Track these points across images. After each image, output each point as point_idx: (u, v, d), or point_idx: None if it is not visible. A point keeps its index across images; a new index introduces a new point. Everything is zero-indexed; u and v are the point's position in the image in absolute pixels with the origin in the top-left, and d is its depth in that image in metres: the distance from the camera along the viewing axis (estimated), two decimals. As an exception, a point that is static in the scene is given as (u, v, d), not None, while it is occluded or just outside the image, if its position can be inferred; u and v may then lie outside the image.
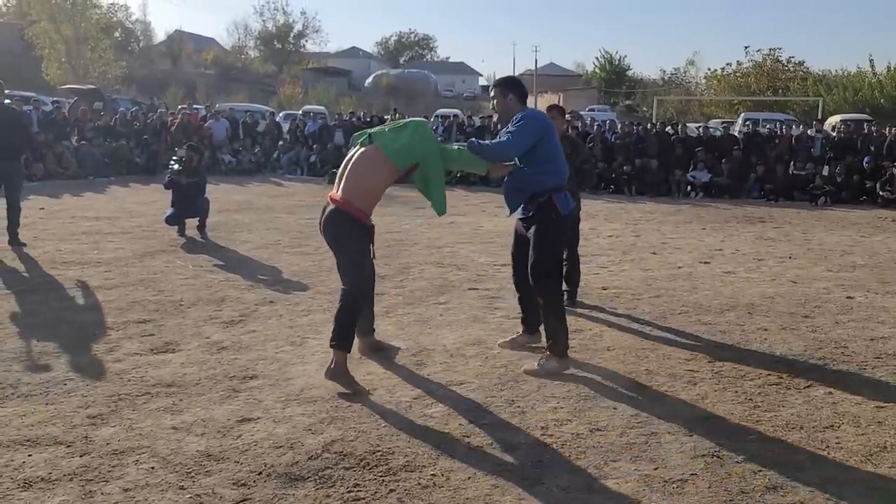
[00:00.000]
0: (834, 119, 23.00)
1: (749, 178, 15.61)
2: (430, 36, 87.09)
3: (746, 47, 41.26)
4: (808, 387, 4.13)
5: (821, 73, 38.24)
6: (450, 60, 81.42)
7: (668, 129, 18.31)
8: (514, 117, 4.28)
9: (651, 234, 10.08)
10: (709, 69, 50.44)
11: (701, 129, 18.49)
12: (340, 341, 3.95)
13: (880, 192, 14.19)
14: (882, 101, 30.74)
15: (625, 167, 15.74)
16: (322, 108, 29.88)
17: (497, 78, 4.43)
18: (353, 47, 74.09)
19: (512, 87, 4.45)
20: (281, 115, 26.64)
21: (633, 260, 8.05)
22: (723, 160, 15.90)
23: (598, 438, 3.42)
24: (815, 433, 3.51)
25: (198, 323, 5.19)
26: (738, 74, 40.34)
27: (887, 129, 16.45)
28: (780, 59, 40.40)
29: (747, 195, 15.32)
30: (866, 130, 16.88)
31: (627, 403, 3.84)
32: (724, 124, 22.38)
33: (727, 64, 42.15)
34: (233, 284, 6.38)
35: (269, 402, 3.78)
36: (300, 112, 25.03)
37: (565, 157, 4.48)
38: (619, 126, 18.76)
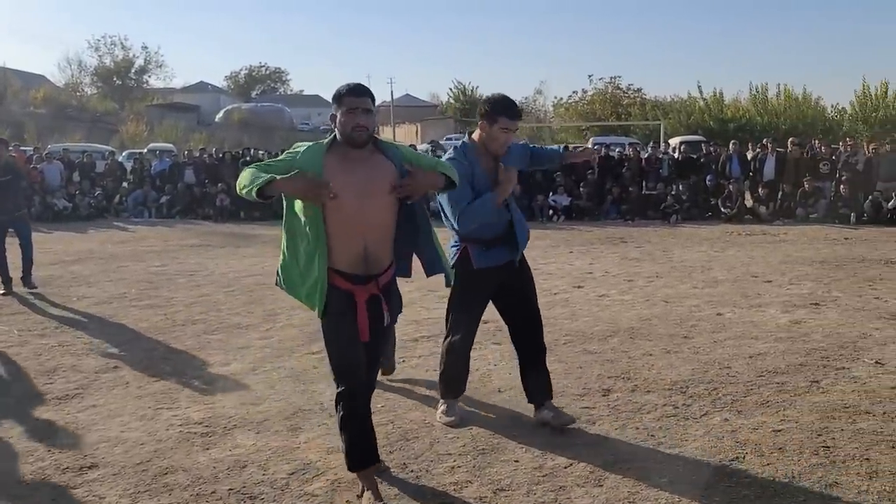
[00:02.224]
0: (674, 141, 24.55)
1: (606, 200, 16.15)
2: (282, 69, 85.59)
3: (590, 76, 43.64)
4: (705, 415, 3.99)
5: (657, 98, 40.97)
6: (304, 93, 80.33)
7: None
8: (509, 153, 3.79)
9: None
10: (555, 97, 52.90)
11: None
12: None
13: (722, 209, 15.07)
14: (711, 122, 33.21)
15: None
16: (170, 145, 28.28)
17: (516, 108, 3.64)
18: (201, 82, 71.36)
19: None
20: (124, 154, 24.92)
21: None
22: (580, 184, 16.37)
23: (503, 500, 3.06)
24: (723, 467, 3.34)
25: (22, 401, 4.38)
26: (583, 102, 42.42)
27: (725, 148, 17.57)
28: (621, 86, 42.95)
29: (605, 216, 15.84)
30: (704, 151, 17.98)
31: (528, 454, 3.52)
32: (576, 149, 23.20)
33: (573, 92, 44.29)
34: (68, 349, 5.55)
35: (114, 497, 3.14)
36: (145, 150, 23.49)
37: None
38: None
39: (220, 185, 17.13)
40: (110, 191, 17.99)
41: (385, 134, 49.03)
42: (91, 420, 4.06)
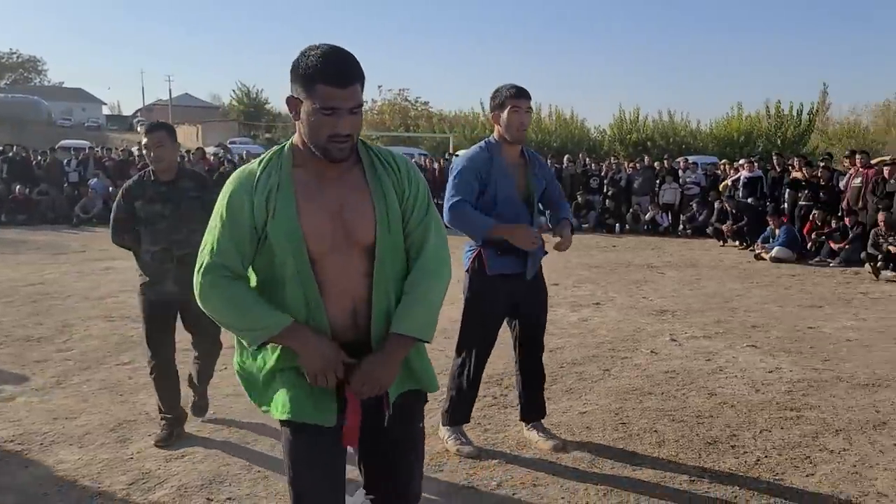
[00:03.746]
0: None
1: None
2: (38, 58, 77.05)
3: (380, 86, 44.38)
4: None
5: (441, 111, 42.81)
6: (64, 86, 72.98)
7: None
8: (537, 160, 3.61)
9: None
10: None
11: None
12: None
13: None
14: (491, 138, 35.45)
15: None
16: None
17: (521, 87, 3.41)
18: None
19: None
20: None
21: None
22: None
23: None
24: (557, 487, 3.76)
25: None
26: (373, 112, 43.15)
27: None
28: (409, 98, 44.33)
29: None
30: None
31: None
32: None
33: (364, 101, 44.81)
34: None
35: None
36: None
37: None
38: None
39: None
40: None
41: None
42: None
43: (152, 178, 3.63)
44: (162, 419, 3.73)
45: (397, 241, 1.93)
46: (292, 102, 1.81)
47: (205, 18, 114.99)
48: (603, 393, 4.63)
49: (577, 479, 3.35)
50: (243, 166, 1.92)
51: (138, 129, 56.06)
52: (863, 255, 10.07)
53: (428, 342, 1.95)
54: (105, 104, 73.05)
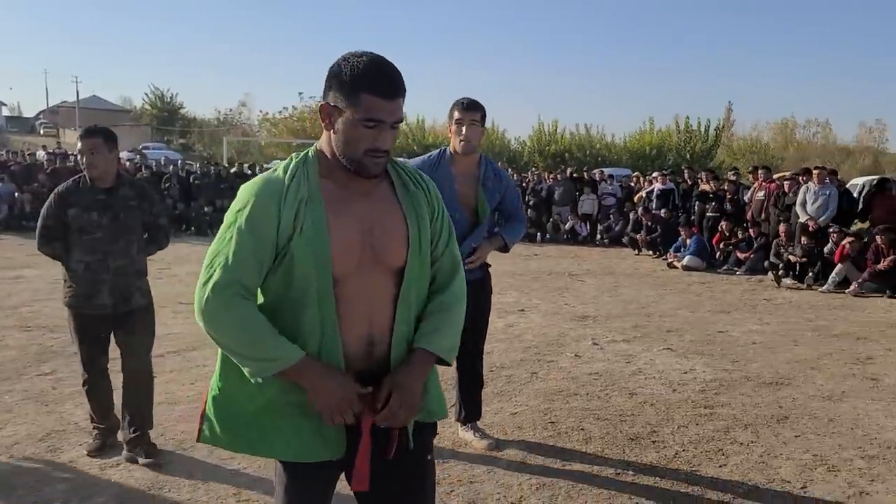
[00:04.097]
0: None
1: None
2: None
3: (301, 93, 44.00)
4: (453, 406, 4.57)
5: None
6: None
7: (248, 169, 18.47)
8: (494, 172, 3.60)
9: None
10: (260, 111, 52.42)
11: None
12: None
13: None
14: (415, 147, 35.70)
15: (206, 208, 15.37)
16: None
17: (471, 99, 3.46)
18: None
19: (485, 118, 3.53)
20: None
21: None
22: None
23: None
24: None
25: None
26: (293, 118, 42.73)
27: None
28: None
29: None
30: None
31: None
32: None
33: (284, 108, 44.37)
34: None
35: None
36: None
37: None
38: (196, 165, 18.27)
39: None
40: None
41: (69, 137, 44.14)
42: None
43: (89, 184, 3.47)
44: (94, 429, 3.68)
45: (425, 263, 1.79)
46: (327, 110, 1.65)
47: (115, 19, 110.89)
48: (532, 394, 4.83)
49: (512, 475, 3.52)
50: (264, 173, 1.71)
51: (41, 131, 53.59)
52: (766, 263, 10.74)
53: (449, 365, 1.88)
54: (5, 105, 69.36)
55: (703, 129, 37.38)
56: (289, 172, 1.67)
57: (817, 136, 61.02)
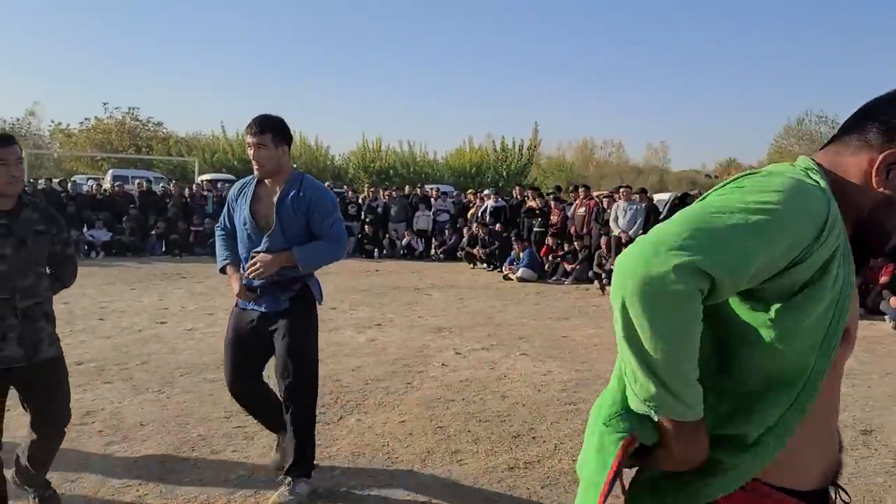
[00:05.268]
0: (205, 177, 25.04)
1: (151, 236, 15.79)
2: None
3: (105, 103, 41.07)
4: (341, 419, 4.70)
5: (184, 135, 40.74)
6: None
7: (56, 185, 17.03)
8: (300, 192, 3.44)
9: (80, 298, 9.33)
10: (52, 121, 48.28)
11: (93, 187, 17.77)
12: None
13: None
14: (235, 162, 34.63)
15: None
16: None
17: (261, 120, 3.37)
18: None
19: (286, 135, 3.45)
20: None
21: (84, 329, 7.41)
22: (122, 218, 15.69)
23: None
24: (375, 456, 4.08)
25: None
26: (97, 130, 39.76)
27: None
28: (140, 118, 41.54)
29: (151, 252, 15.49)
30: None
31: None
32: (89, 180, 22.18)
33: (86, 119, 41.16)
34: None
35: None
36: None
37: None
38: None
39: None
40: None
41: None
42: None
43: None
44: None
45: None
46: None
47: None
48: (413, 403, 5.06)
49: (415, 477, 3.73)
50: (800, 178, 1.24)
51: None
52: (590, 273, 11.80)
53: None
54: None
55: (517, 149, 39.76)
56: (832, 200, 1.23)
57: (612, 156, 67.06)
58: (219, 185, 20.45)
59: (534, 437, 4.39)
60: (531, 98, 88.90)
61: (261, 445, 4.15)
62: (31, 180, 18.26)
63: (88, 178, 25.54)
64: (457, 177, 36.89)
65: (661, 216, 12.47)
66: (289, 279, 3.48)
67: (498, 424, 4.62)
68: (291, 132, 3.53)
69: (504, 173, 38.03)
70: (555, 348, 7.01)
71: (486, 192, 16.80)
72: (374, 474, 3.79)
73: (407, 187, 18.55)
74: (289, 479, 3.45)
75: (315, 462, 3.60)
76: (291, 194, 3.45)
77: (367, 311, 8.99)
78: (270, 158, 3.39)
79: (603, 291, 11.09)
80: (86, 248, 14.85)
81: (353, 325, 8.08)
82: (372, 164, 36.39)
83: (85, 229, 15.29)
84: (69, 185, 17.00)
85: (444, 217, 16.53)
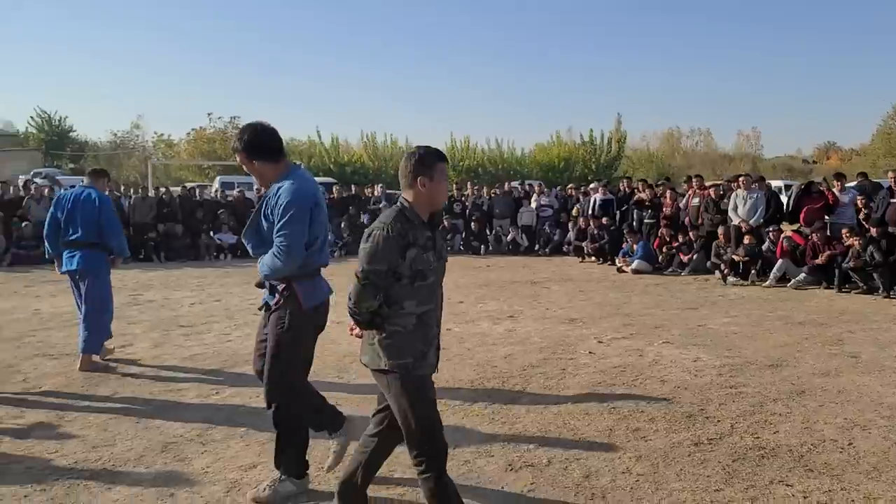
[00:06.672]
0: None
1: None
2: None
3: (210, 114, 43.10)
4: (512, 402, 5.00)
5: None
6: None
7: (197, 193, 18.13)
8: (274, 197, 3.40)
9: (229, 297, 10.01)
10: (154, 132, 50.91)
11: (217, 193, 18.81)
12: None
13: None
14: (331, 166, 35.73)
15: (150, 234, 15.08)
16: None
17: (235, 138, 3.52)
18: None
19: (253, 148, 3.45)
20: None
21: (246, 323, 7.99)
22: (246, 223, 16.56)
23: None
24: (545, 438, 4.36)
25: None
26: (202, 139, 41.76)
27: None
28: (240, 126, 43.27)
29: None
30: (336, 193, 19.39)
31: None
32: (199, 186, 23.43)
33: (192, 129, 43.36)
34: None
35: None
36: None
37: None
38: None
39: None
40: None
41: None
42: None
43: None
44: None
45: None
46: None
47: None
48: (576, 386, 5.32)
49: (607, 449, 3.99)
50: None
51: None
52: (708, 264, 11.75)
53: None
54: None
55: (604, 142, 39.39)
56: None
57: (700, 145, 65.29)
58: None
59: (707, 417, 4.58)
60: (610, 88, 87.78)
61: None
62: (164, 187, 19.40)
63: (196, 186, 26.94)
64: (545, 171, 36.92)
65: (787, 206, 12.32)
66: (275, 279, 3.48)
67: (667, 406, 4.83)
68: (258, 139, 3.44)
69: (593, 167, 37.79)
70: (695, 336, 7.12)
71: (591, 185, 16.86)
72: (566, 445, 4.07)
73: (507, 184, 18.76)
74: (278, 474, 3.51)
75: (308, 461, 3.60)
76: (267, 196, 3.47)
77: (494, 305, 9.29)
78: (254, 173, 3.53)
79: (724, 282, 11.04)
80: (215, 253, 15.69)
81: (487, 317, 8.39)
82: (462, 163, 36.85)
83: (212, 233, 16.15)
84: (197, 191, 18.08)
85: (548, 212, 16.69)
